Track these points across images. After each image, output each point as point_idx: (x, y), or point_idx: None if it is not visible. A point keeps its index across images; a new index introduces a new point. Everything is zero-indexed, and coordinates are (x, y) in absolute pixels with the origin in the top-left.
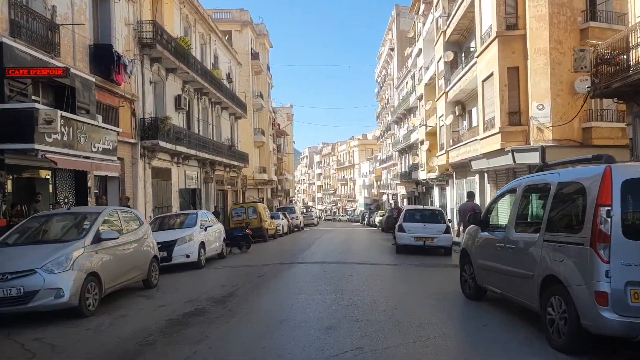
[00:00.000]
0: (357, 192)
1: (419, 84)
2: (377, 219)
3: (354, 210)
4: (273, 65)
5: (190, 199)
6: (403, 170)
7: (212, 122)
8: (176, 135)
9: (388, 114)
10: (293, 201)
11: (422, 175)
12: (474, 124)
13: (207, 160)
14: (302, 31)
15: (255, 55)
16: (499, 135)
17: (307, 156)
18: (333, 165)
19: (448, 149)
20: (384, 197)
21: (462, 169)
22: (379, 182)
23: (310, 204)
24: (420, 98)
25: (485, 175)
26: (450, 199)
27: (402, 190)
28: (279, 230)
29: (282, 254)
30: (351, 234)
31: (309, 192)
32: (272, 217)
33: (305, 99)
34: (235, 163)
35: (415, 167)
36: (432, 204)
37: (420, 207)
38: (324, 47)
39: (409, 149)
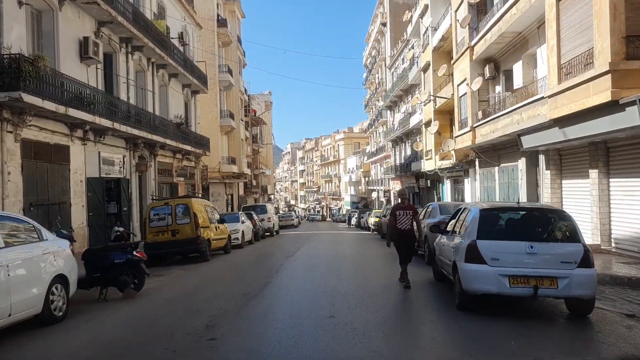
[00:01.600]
0: (342, 190)
1: (423, 52)
2: (371, 220)
3: (339, 209)
4: (250, 50)
5: (108, 192)
6: (398, 162)
7: (152, 90)
8: (73, 93)
9: (379, 99)
10: (272, 199)
11: (427, 165)
12: (517, 84)
13: (141, 140)
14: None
15: (222, 22)
16: (607, 77)
17: (289, 152)
18: (316, 161)
19: (475, 125)
20: (374, 195)
21: (496, 152)
22: (367, 178)
23: (292, 202)
24: (425, 69)
25: (542, 158)
26: (471, 195)
27: (397, 186)
28: (237, 239)
29: (208, 302)
30: (341, 243)
31: (291, 190)
32: (222, 221)
33: (286, 91)
34: (189, 148)
35: (415, 157)
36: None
37: (514, 204)
38: (304, 37)
39: (407, 136)
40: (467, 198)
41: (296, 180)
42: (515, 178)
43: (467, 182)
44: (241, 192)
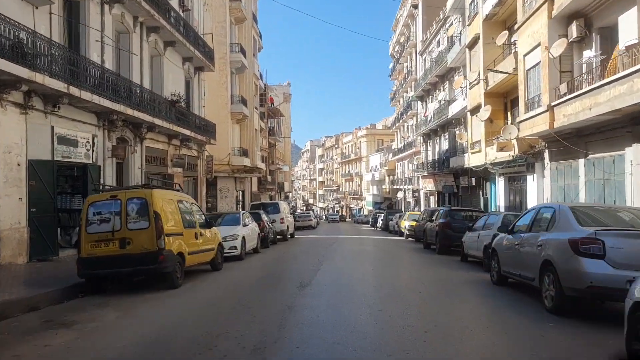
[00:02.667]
0: (364, 189)
1: (469, 25)
2: (405, 223)
3: (360, 209)
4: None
5: (71, 182)
6: (431, 158)
7: (141, 57)
8: None
9: (407, 90)
10: (289, 197)
11: (474, 160)
12: (626, 43)
13: (120, 117)
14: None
15: None
16: None
17: (308, 150)
18: (337, 159)
19: (556, 103)
20: (400, 195)
21: (581, 139)
22: (392, 177)
23: (310, 201)
24: (472, 45)
25: None
26: (539, 196)
27: (428, 185)
28: (234, 249)
29: None
30: (377, 255)
31: (309, 188)
32: (209, 225)
33: (306, 88)
34: (189, 133)
35: (454, 151)
36: (488, 206)
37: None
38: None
39: (443, 128)
40: (532, 200)
41: (315, 179)
42: (617, 173)
43: (530, 180)
44: (254, 188)
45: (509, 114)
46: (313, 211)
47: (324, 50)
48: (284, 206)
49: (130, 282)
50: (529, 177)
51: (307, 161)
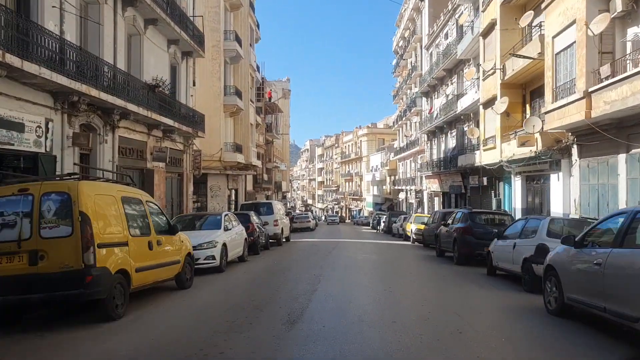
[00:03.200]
0: (364, 189)
1: (484, 11)
2: (411, 227)
3: (360, 210)
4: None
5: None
6: (436, 157)
7: (115, 33)
8: None
9: (412, 86)
10: (287, 197)
11: (486, 157)
12: None
13: (85, 99)
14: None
15: None
16: None
17: (307, 149)
18: (336, 159)
19: (595, 89)
20: (401, 195)
21: (622, 130)
22: (393, 177)
23: (309, 202)
24: (486, 32)
25: None
26: (565, 197)
27: (433, 186)
28: (211, 259)
29: None
30: (388, 268)
31: (308, 188)
32: (173, 230)
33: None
34: (172, 123)
35: (462, 149)
36: (501, 209)
37: None
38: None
39: (450, 125)
40: (557, 202)
41: (314, 179)
42: None
43: (554, 179)
44: (249, 187)
45: (527, 107)
46: (312, 212)
47: (324, 49)
48: (278, 207)
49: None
50: (553, 177)
51: (306, 161)
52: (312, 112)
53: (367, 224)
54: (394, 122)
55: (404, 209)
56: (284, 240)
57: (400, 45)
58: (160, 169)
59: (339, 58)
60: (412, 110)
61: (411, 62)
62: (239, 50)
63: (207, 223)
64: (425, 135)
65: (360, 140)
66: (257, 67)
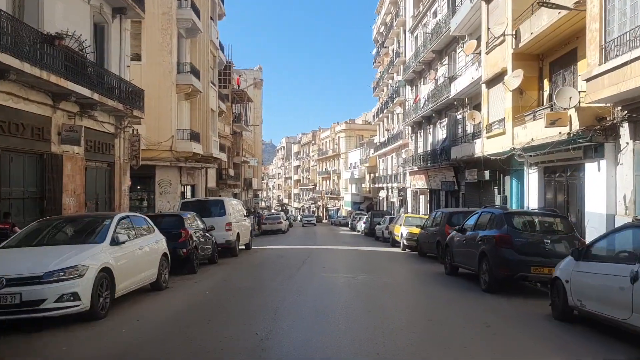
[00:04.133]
0: (342, 188)
1: None
2: (401, 230)
3: (338, 210)
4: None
5: None
6: (422, 151)
7: None
8: None
9: (394, 75)
10: (259, 196)
11: (490, 146)
12: None
13: None
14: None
15: None
16: None
17: (284, 147)
18: (313, 156)
19: None
20: (381, 194)
21: None
22: (373, 175)
23: (285, 201)
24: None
25: None
26: (608, 192)
27: (418, 183)
28: (70, 301)
29: None
30: (394, 294)
31: (284, 187)
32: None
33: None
34: (87, 93)
35: (455, 140)
36: (508, 205)
37: None
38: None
39: (439, 114)
40: (595, 198)
41: (290, 177)
42: None
43: (592, 169)
44: (211, 183)
45: (545, 82)
46: (286, 212)
47: (300, 45)
48: (233, 205)
49: None
50: (589, 166)
51: (282, 158)
52: (289, 109)
53: (346, 225)
54: (373, 116)
55: (385, 208)
56: (242, 247)
57: (381, 32)
58: (75, 155)
59: (316, 53)
60: (394, 101)
61: (393, 49)
62: (197, 22)
63: (80, 233)
64: (410, 128)
65: (338, 137)
66: (221, 46)
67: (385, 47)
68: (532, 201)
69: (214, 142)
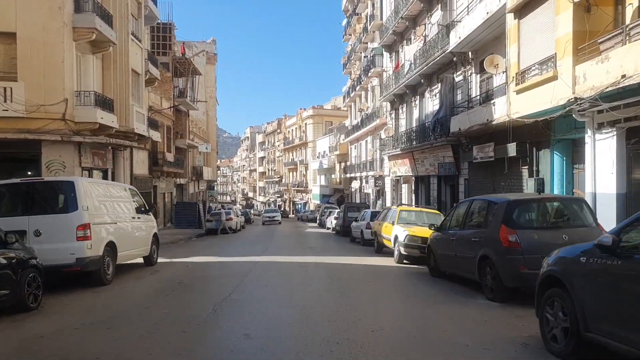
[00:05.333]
0: (310, 180)
1: None
2: (398, 234)
3: (305, 203)
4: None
5: None
6: (406, 128)
7: None
8: None
9: (369, 43)
10: (214, 189)
11: (526, 103)
12: None
13: None
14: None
15: None
16: None
17: (248, 137)
18: (279, 146)
19: None
20: (354, 185)
21: None
22: (344, 164)
23: (250, 195)
24: None
25: None
26: None
27: (400, 169)
28: None
29: None
30: None
31: (249, 180)
32: None
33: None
34: None
35: (454, 109)
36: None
37: None
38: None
39: (430, 79)
40: None
41: (255, 170)
42: None
43: None
44: (140, 169)
45: None
46: (251, 206)
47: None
48: (100, 193)
49: None
50: None
51: (246, 150)
52: (255, 100)
53: (314, 220)
54: (344, 97)
55: (358, 201)
56: (137, 262)
57: None
58: None
59: (281, 35)
60: (370, 74)
61: (367, 14)
62: None
63: None
64: (388, 104)
65: (306, 124)
66: None
67: (357, 14)
68: (602, 184)
69: (138, 115)
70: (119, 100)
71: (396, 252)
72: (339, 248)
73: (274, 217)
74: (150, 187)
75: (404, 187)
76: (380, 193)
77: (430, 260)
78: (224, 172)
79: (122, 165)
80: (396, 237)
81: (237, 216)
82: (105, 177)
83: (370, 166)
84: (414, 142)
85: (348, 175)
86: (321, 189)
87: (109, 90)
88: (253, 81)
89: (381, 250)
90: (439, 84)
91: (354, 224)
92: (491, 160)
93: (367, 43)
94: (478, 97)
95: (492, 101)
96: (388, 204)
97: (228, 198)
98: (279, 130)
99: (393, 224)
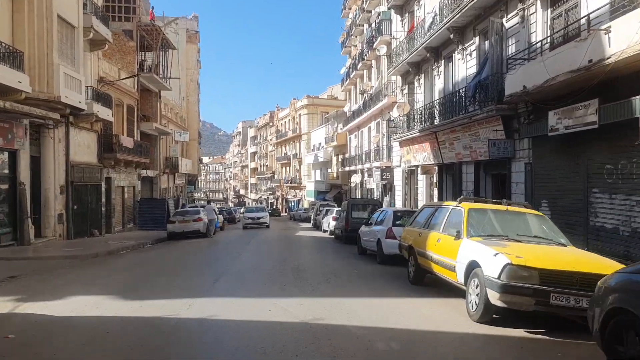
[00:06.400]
0: (304, 175)
1: None
2: (484, 258)
3: (299, 201)
4: None
5: None
6: (425, 103)
7: None
8: None
9: (373, 11)
10: (195, 185)
11: None
12: None
13: None
14: None
15: None
16: None
17: (240, 132)
18: (271, 139)
19: None
20: (354, 179)
21: None
22: (342, 156)
23: (242, 192)
24: None
25: None
26: None
27: (417, 157)
28: None
29: None
30: None
31: (241, 177)
32: None
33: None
34: None
35: (514, 62)
36: None
37: None
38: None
39: (462, 33)
40: None
41: (247, 166)
42: None
43: None
44: (86, 156)
45: None
46: (242, 204)
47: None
48: None
49: None
50: None
51: (238, 145)
52: (250, 97)
53: (308, 220)
54: (342, 82)
55: (357, 195)
56: None
57: None
58: None
59: (277, 23)
60: (374, 44)
61: None
62: None
63: None
64: (400, 78)
65: (299, 114)
66: None
67: None
68: None
69: (71, 81)
70: (36, 56)
71: (474, 298)
72: (343, 271)
73: (258, 218)
74: (99, 179)
75: (422, 180)
76: (387, 188)
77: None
78: (217, 169)
79: (52, 148)
80: (473, 267)
81: (216, 215)
82: (13, 162)
83: (376, 156)
84: (438, 120)
85: (347, 169)
86: (316, 185)
87: (21, 41)
88: (249, 76)
89: (422, 279)
90: (476, 38)
91: (363, 228)
92: (587, 131)
93: (370, 11)
94: (547, 42)
95: (603, 27)
96: (399, 202)
97: (221, 195)
98: (271, 123)
99: (459, 236)
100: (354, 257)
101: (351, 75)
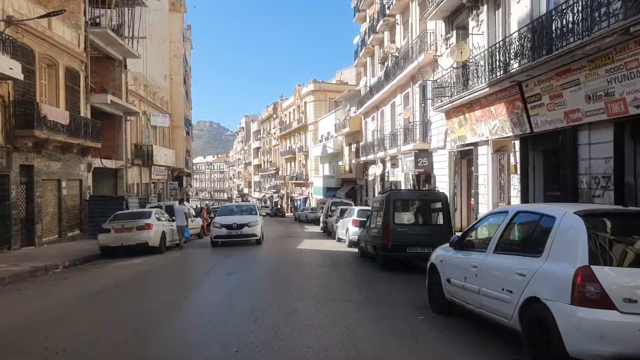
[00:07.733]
0: (311, 170)
1: None
2: None
3: (305, 199)
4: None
5: None
6: (487, 45)
7: None
8: None
9: None
10: (184, 182)
11: None
12: None
13: None
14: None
15: None
16: None
17: (243, 127)
18: (275, 133)
19: None
20: (372, 171)
21: None
22: (356, 145)
23: (246, 191)
24: None
25: None
26: None
27: (479, 130)
28: None
29: None
30: None
31: (244, 175)
32: None
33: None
34: None
35: None
36: None
37: None
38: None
39: None
40: None
41: (250, 163)
42: None
43: None
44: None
45: None
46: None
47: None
48: None
49: None
50: None
51: (241, 142)
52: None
53: (315, 221)
54: (356, 53)
55: (373, 193)
56: None
57: None
58: None
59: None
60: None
61: None
62: None
63: None
64: (443, 23)
65: (305, 102)
66: None
67: None
68: None
69: None
70: None
71: None
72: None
73: (239, 227)
74: (6, 167)
75: (485, 164)
76: (423, 180)
77: None
78: (221, 167)
79: None
80: None
81: (191, 219)
82: None
83: (406, 137)
84: (522, 62)
85: (362, 159)
86: (325, 181)
87: None
88: (255, 72)
89: None
90: None
91: (451, 255)
92: None
93: None
94: None
95: None
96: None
97: (225, 195)
98: (274, 115)
99: None
100: (423, 311)
101: (367, 42)
